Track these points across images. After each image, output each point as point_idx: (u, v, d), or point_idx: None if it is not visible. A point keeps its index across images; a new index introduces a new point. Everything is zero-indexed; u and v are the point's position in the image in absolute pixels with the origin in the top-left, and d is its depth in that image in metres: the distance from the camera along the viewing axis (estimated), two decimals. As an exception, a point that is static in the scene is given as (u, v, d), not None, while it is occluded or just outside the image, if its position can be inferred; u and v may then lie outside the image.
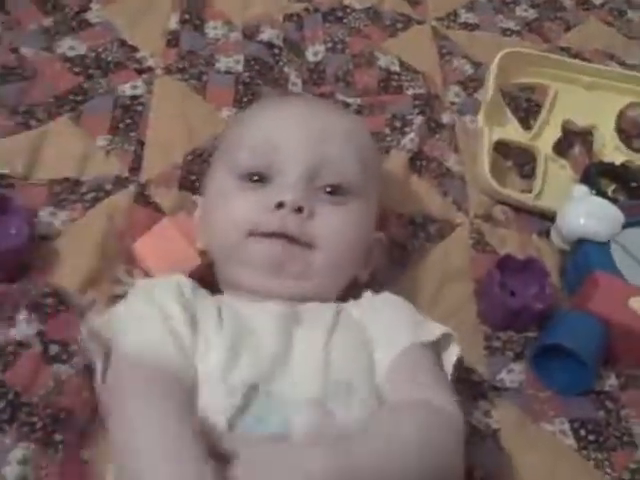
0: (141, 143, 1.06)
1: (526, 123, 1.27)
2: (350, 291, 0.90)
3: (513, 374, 0.97)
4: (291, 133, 0.87)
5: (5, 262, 0.87)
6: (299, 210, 0.82)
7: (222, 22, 1.28)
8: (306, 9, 1.36)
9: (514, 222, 1.14)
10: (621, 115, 1.30)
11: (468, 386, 0.94)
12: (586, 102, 1.29)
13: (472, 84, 1.31)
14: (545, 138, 1.24)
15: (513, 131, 1.24)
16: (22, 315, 0.83)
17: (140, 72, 1.15)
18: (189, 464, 0.63)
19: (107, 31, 1.20)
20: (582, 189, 1.12)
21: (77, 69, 1.13)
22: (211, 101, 1.15)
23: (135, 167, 1.03)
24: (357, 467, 0.65)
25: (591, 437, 0.93)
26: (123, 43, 1.19)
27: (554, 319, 1.00)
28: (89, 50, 1.16)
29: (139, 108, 1.10)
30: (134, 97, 1.11)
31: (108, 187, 0.99)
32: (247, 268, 0.84)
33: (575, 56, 1.42)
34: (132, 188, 1.00)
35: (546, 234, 1.14)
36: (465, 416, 0.89)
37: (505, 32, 1.46)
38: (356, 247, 0.88)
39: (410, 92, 1.26)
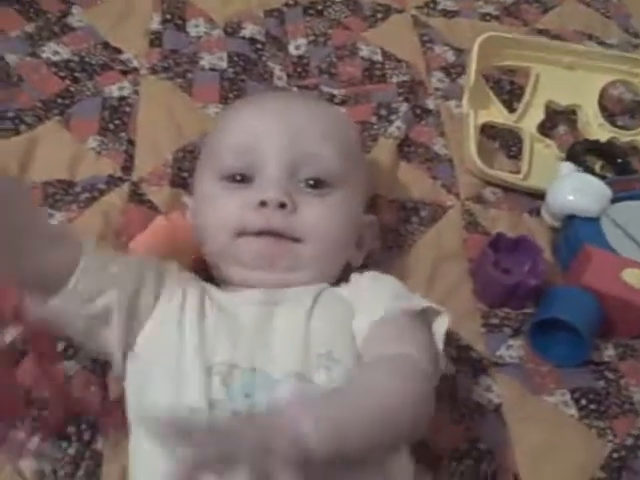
0: (131, 143, 1.07)
1: (510, 105, 1.29)
2: (345, 276, 0.90)
3: (512, 350, 0.98)
4: (268, 130, 0.88)
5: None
6: (282, 206, 0.83)
7: (203, 20, 1.29)
8: (286, 4, 1.37)
9: (504, 202, 1.15)
10: (603, 94, 1.32)
11: (468, 363, 0.95)
12: (568, 82, 1.30)
13: (455, 70, 1.32)
14: (529, 119, 1.26)
15: (498, 113, 1.25)
16: (27, 314, 0.84)
17: (125, 73, 1.16)
18: None
19: (90, 34, 1.21)
20: (569, 166, 1.14)
21: (63, 73, 1.14)
22: (198, 98, 1.16)
23: (127, 166, 1.04)
24: (342, 423, 0.64)
25: (592, 406, 0.94)
26: (106, 45, 1.20)
27: (549, 294, 1.02)
28: (73, 54, 1.17)
29: (127, 109, 1.10)
30: (121, 98, 1.12)
31: (102, 187, 1.00)
32: (238, 266, 0.85)
33: (554, 37, 1.43)
34: (125, 187, 1.01)
35: (536, 213, 1.15)
36: (467, 392, 0.92)
37: (484, 17, 1.47)
38: (343, 236, 0.89)
39: (394, 80, 1.27)
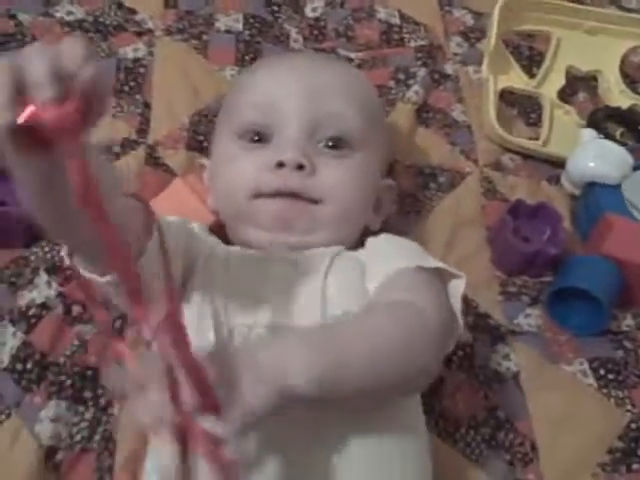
0: (147, 105, 1.05)
1: (529, 71, 1.26)
2: (363, 239, 0.89)
3: (530, 318, 0.97)
4: (288, 90, 0.87)
5: (20, 228, 0.86)
6: (300, 168, 0.82)
7: (220, -20, 1.26)
8: (303, -36, 1.34)
9: (523, 169, 1.14)
10: (624, 60, 1.29)
11: (486, 331, 0.95)
12: (589, 47, 1.28)
13: (474, 34, 1.30)
14: (550, 85, 1.24)
15: (517, 79, 1.23)
16: (42, 278, 0.84)
17: (140, 34, 1.14)
18: None
19: (104, -6, 1.19)
20: (590, 133, 1.12)
21: (77, 33, 1.11)
22: (213, 61, 1.14)
23: (143, 129, 1.02)
24: (339, 362, 0.63)
25: (611, 376, 0.94)
26: (120, 6, 1.18)
27: (568, 263, 1.01)
28: (87, 14, 1.15)
29: (142, 70, 1.09)
30: (136, 60, 1.10)
31: (117, 150, 0.99)
32: (255, 228, 0.84)
33: (574, 1, 1.40)
34: (141, 150, 1.00)
35: (555, 180, 1.13)
36: (485, 360, 0.91)
37: (503, -20, 1.44)
38: (362, 198, 0.88)
39: (412, 44, 1.25)
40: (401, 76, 1.19)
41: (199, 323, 0.73)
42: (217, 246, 0.84)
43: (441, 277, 0.80)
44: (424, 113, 1.16)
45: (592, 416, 0.91)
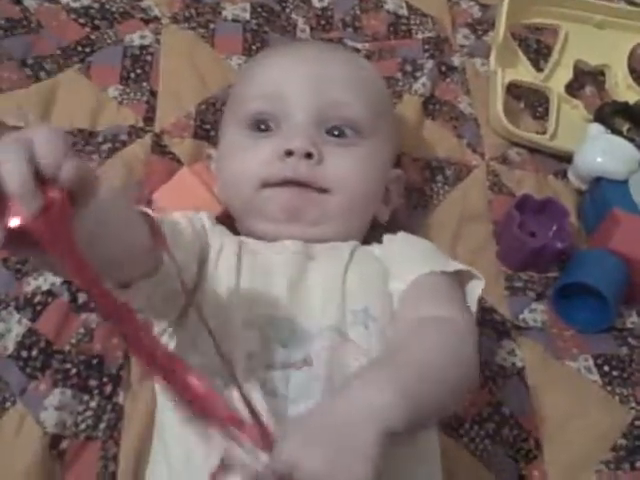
0: (153, 93, 1.04)
1: (536, 64, 1.26)
2: (372, 231, 0.90)
3: (535, 313, 0.97)
4: (296, 79, 0.86)
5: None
6: (308, 156, 0.82)
7: (227, -31, 1.25)
8: (310, -46, 1.33)
9: (529, 163, 1.13)
10: (632, 55, 1.29)
11: (491, 326, 0.95)
12: (597, 41, 1.27)
13: (481, 27, 1.29)
14: (557, 79, 1.23)
15: (525, 72, 1.23)
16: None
17: (147, 22, 1.13)
18: None
19: (109, -19, 1.18)
20: (598, 128, 1.12)
21: (82, 20, 1.11)
22: (220, 50, 1.13)
23: (149, 117, 1.01)
24: (413, 391, 0.62)
25: (615, 373, 0.94)
26: (126, -7, 1.17)
27: (574, 258, 1.01)
28: (93, 1, 1.14)
29: (148, 58, 1.08)
30: (143, 47, 1.09)
31: (123, 137, 0.98)
32: (263, 218, 0.84)
33: (583, -6, 1.40)
34: (148, 138, 0.99)
35: (562, 175, 1.13)
36: (490, 355, 0.91)
37: (511, -28, 1.43)
38: (371, 188, 0.87)
39: (420, 36, 1.24)
40: (408, 68, 1.18)
41: (217, 313, 0.72)
42: (227, 238, 0.82)
43: (459, 277, 0.80)
44: (431, 105, 1.15)
45: (596, 413, 0.91)
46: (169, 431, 0.72)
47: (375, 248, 0.84)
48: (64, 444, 0.76)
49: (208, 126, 1.02)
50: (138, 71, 1.06)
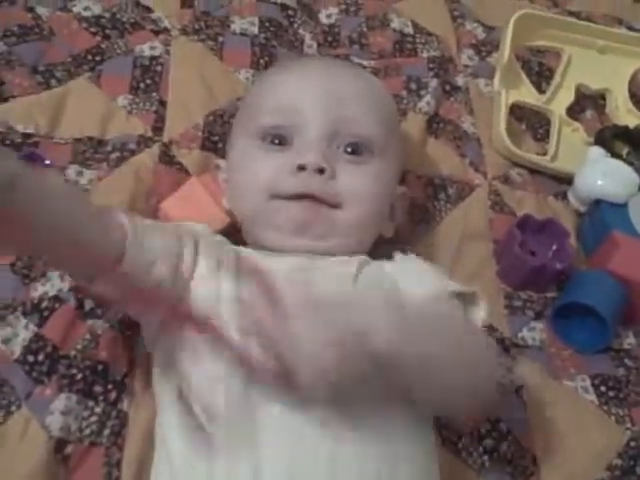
0: (162, 103, 1.05)
1: (538, 86, 1.27)
2: (376, 247, 0.90)
3: (534, 332, 0.99)
4: (309, 95, 0.87)
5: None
6: (321, 171, 0.83)
7: (235, -17, 1.27)
8: (317, -29, 1.35)
9: (530, 184, 1.15)
10: (633, 79, 1.31)
11: (490, 343, 0.95)
12: (599, 66, 1.30)
13: (485, 48, 1.31)
14: (559, 101, 1.25)
15: (528, 94, 1.25)
16: (55, 271, 0.84)
17: (157, 33, 1.14)
18: None
19: (121, -9, 1.19)
20: (598, 151, 1.14)
21: (93, 29, 1.12)
22: (228, 62, 1.14)
23: (158, 127, 1.02)
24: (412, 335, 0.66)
25: (612, 393, 0.95)
26: (137, 4, 1.18)
27: (573, 279, 1.02)
28: (104, 10, 1.15)
29: (158, 69, 1.09)
30: (153, 58, 1.10)
31: (132, 146, 0.99)
32: (272, 230, 0.84)
33: (584, 20, 1.41)
34: (156, 148, 1.00)
35: (562, 196, 1.15)
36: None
37: (515, -6, 1.46)
38: (379, 204, 0.88)
39: (425, 55, 1.26)
40: (413, 86, 1.20)
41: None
42: (228, 247, 0.84)
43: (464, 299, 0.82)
44: (435, 124, 1.17)
45: (592, 432, 0.92)
46: (170, 439, 0.73)
47: (385, 264, 0.84)
48: (69, 449, 0.77)
49: (216, 138, 1.03)
50: (148, 81, 1.07)
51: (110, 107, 1.03)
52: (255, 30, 1.20)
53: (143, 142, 1.00)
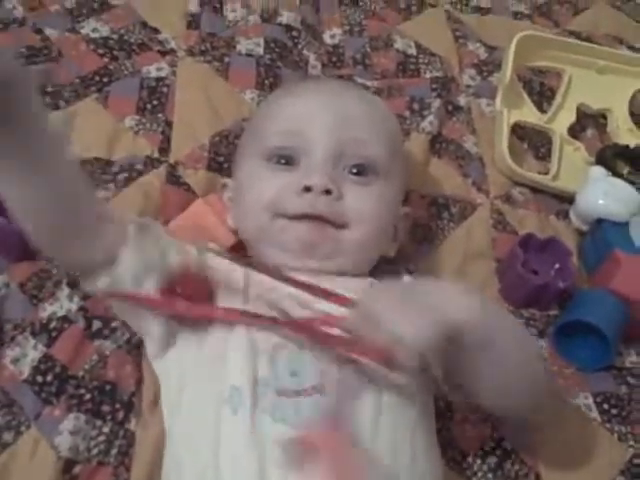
0: (169, 124, 1.07)
1: (539, 106, 1.29)
2: (379, 267, 0.92)
3: (537, 350, 0.99)
4: (316, 116, 0.88)
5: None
6: (327, 192, 0.84)
7: (240, 4, 1.29)
8: (322, -8, 1.37)
9: (532, 203, 1.16)
10: (633, 99, 1.32)
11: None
12: (599, 86, 1.31)
13: (487, 67, 1.33)
14: (560, 121, 1.26)
15: (529, 113, 1.26)
16: (64, 291, 0.85)
17: (163, 54, 1.16)
18: None
19: (128, 13, 1.21)
20: (599, 170, 1.14)
21: (101, 50, 1.14)
22: (234, 83, 1.15)
23: (164, 148, 1.04)
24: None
25: (614, 411, 0.96)
26: (144, 25, 1.20)
27: (575, 297, 1.03)
28: (112, 32, 1.17)
29: (164, 90, 1.10)
30: (159, 79, 1.11)
31: (139, 167, 1.00)
32: (278, 249, 0.85)
33: (585, 40, 1.43)
34: (162, 169, 1.01)
35: (564, 215, 1.16)
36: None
37: (516, 15, 1.48)
38: (384, 225, 0.89)
39: (428, 75, 1.28)
40: (416, 106, 1.21)
41: (224, 339, 0.75)
42: (232, 267, 0.84)
43: None
44: (438, 143, 1.18)
45: (595, 450, 0.92)
46: (178, 458, 0.74)
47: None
48: (77, 469, 0.78)
49: (221, 158, 1.04)
50: (154, 102, 1.08)
51: (117, 128, 1.04)
52: (260, 51, 1.21)
53: (150, 163, 1.01)
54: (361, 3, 1.38)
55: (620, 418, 0.95)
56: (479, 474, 0.87)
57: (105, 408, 0.81)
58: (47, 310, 0.85)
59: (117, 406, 0.82)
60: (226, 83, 1.15)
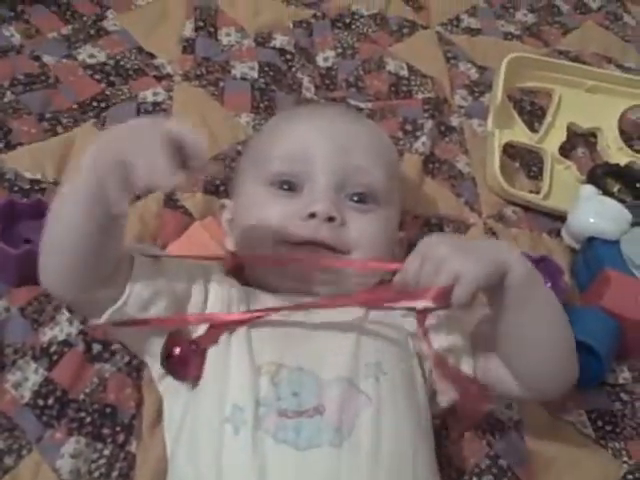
0: (165, 148, 1.08)
1: (530, 125, 1.31)
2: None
3: (531, 368, 1.00)
4: (319, 145, 0.90)
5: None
6: (331, 219, 0.85)
7: (235, 29, 1.31)
8: (314, 15, 1.39)
9: (524, 222, 1.18)
10: (622, 118, 1.34)
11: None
12: (589, 105, 1.33)
13: (478, 88, 1.35)
14: (551, 140, 1.29)
15: (521, 133, 1.28)
16: (64, 315, 0.87)
17: (159, 79, 1.18)
18: None
19: (124, 39, 1.23)
20: (590, 189, 1.16)
21: (98, 76, 1.15)
22: (229, 107, 1.17)
23: (161, 172, 1.05)
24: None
25: (608, 427, 0.97)
26: (140, 50, 1.22)
27: (568, 315, 1.04)
28: (109, 57, 1.19)
29: (161, 114, 1.12)
30: (155, 103, 1.13)
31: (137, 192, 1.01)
32: (279, 275, 0.87)
33: (574, 59, 1.46)
34: (160, 192, 1.02)
35: (556, 233, 1.17)
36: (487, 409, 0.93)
37: (506, 36, 1.50)
38: (383, 251, 0.91)
39: (420, 96, 1.30)
40: (409, 127, 1.23)
41: (225, 361, 0.76)
42: (234, 289, 0.85)
43: None
44: (430, 164, 1.20)
45: (590, 466, 0.93)
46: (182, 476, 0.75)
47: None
48: (78, 492, 0.78)
49: (218, 182, 1.06)
50: (151, 127, 1.10)
51: (115, 153, 1.06)
52: (255, 74, 1.23)
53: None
54: (353, 26, 1.40)
55: (614, 434, 0.96)
56: (476, 492, 0.88)
57: (106, 431, 0.82)
58: (47, 334, 0.86)
59: (117, 429, 0.82)
60: (222, 107, 1.17)
